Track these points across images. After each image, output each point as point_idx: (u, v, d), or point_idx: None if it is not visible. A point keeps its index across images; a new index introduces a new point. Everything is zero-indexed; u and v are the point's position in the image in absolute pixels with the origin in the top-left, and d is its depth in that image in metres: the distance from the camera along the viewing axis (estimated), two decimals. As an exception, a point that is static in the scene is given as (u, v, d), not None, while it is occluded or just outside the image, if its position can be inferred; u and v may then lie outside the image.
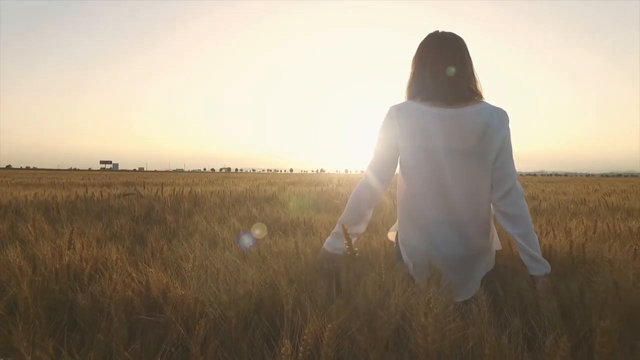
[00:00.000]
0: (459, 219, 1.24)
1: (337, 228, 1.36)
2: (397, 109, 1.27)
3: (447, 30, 1.33)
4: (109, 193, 3.56)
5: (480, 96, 1.29)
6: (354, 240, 1.32)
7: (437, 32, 1.34)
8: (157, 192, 3.57)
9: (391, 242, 1.56)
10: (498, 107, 1.27)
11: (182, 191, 3.89)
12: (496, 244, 1.40)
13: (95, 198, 3.28)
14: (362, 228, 1.38)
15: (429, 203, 1.25)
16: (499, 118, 1.24)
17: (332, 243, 1.35)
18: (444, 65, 1.25)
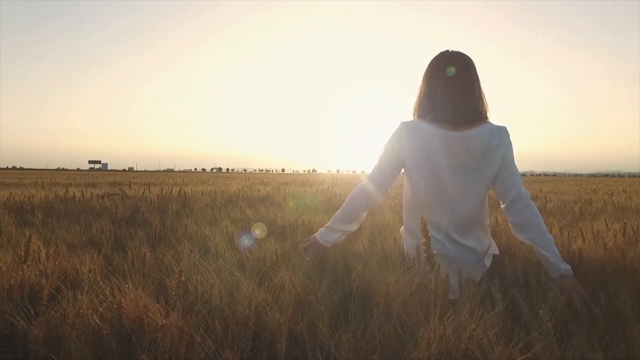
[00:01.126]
0: (459, 225, 1.33)
1: (331, 223, 1.47)
2: (406, 127, 1.36)
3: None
4: (91, 193, 3.32)
5: (486, 117, 1.36)
6: (344, 236, 1.49)
7: (447, 52, 1.39)
8: (144, 192, 3.34)
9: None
10: (499, 126, 1.35)
11: (171, 191, 3.67)
12: (493, 249, 1.45)
13: (77, 199, 3.04)
14: (354, 227, 1.49)
15: (433, 210, 1.35)
16: (499, 136, 1.32)
17: (324, 235, 1.46)
18: (454, 89, 1.32)
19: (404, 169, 1.41)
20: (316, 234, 1.49)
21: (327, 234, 1.46)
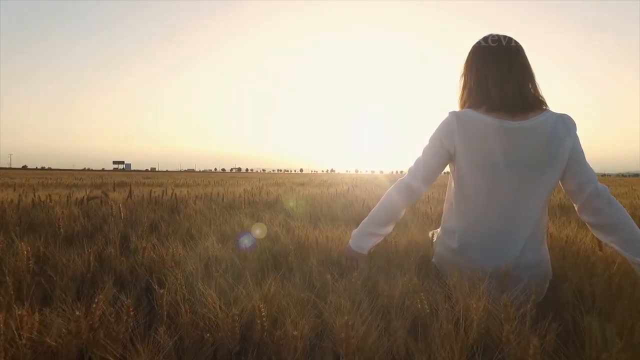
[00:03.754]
0: (510, 232, 1.16)
1: (366, 225, 1.31)
2: (457, 118, 1.19)
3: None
4: (68, 198, 2.79)
5: (545, 104, 1.20)
6: (380, 240, 1.33)
7: (492, 36, 1.25)
8: (128, 197, 2.79)
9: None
10: (562, 114, 1.18)
11: (164, 194, 3.11)
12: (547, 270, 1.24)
13: (44, 204, 2.51)
14: (390, 229, 1.35)
15: (482, 213, 1.19)
16: (564, 125, 1.16)
17: (358, 241, 1.31)
18: (508, 74, 1.18)
19: (452, 165, 1.26)
20: (350, 240, 1.33)
21: (361, 239, 1.31)
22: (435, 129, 1.25)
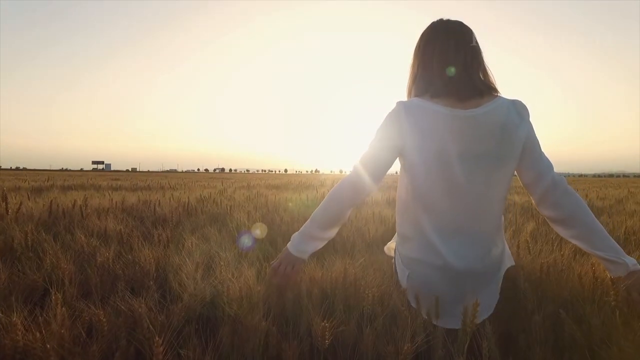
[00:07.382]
0: (472, 229, 1.08)
1: (309, 227, 1.19)
2: (405, 107, 1.10)
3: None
4: None
5: (496, 90, 1.13)
6: (321, 245, 1.21)
7: (441, 20, 1.19)
8: (19, 208, 2.05)
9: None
10: (514, 100, 1.12)
11: (74, 205, 2.36)
12: (508, 258, 1.20)
13: None
14: (334, 233, 1.23)
15: (440, 211, 1.09)
16: (517, 112, 1.09)
17: (298, 244, 1.18)
18: (454, 58, 1.11)
19: (401, 159, 1.16)
20: (288, 244, 1.20)
21: (302, 242, 1.18)
22: (382, 121, 1.14)
